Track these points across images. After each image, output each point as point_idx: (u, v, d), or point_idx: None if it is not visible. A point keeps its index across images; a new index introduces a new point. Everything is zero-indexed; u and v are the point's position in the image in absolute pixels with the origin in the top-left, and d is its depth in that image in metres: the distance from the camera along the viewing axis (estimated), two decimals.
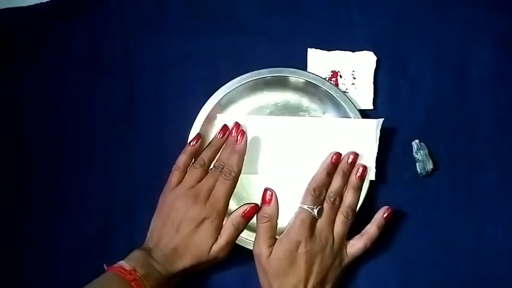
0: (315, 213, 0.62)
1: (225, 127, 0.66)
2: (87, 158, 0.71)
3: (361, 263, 0.66)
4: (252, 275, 0.63)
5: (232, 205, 0.65)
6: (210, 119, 0.68)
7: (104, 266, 0.59)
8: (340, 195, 0.64)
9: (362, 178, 0.65)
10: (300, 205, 0.63)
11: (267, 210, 0.62)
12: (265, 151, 0.67)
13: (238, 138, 0.65)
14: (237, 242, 0.64)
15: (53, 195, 0.70)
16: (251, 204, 0.62)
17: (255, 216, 0.63)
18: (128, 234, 0.68)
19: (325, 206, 0.63)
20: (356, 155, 0.65)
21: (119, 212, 0.69)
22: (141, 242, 0.63)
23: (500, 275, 0.66)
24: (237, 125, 0.66)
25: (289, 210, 0.63)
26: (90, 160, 0.71)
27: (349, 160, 0.65)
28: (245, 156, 0.65)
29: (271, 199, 0.62)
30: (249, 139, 0.66)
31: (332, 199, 0.63)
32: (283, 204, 0.63)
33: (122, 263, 0.59)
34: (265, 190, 0.63)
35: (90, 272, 0.59)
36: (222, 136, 0.65)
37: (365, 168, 0.65)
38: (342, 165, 0.65)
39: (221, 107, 0.69)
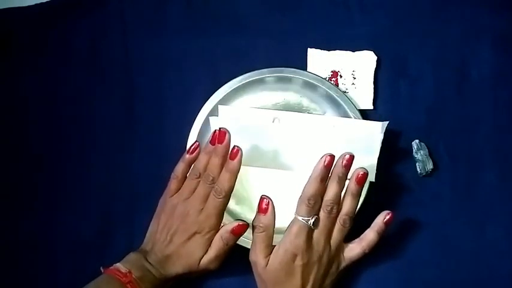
0: (311, 224, 0.59)
1: (214, 134, 0.62)
2: (87, 158, 0.71)
3: (361, 264, 0.65)
4: (252, 275, 0.63)
5: (232, 204, 0.65)
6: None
7: (101, 268, 0.60)
8: (337, 202, 0.61)
9: (362, 184, 0.61)
10: (295, 215, 0.60)
11: (262, 220, 0.60)
12: (267, 145, 0.66)
13: (233, 155, 0.60)
14: (237, 242, 0.64)
15: (53, 195, 0.70)
16: (240, 222, 0.61)
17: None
18: (127, 235, 0.68)
19: (322, 215, 0.60)
20: (351, 157, 0.60)
21: (119, 212, 0.69)
22: (140, 242, 0.64)
23: (500, 275, 0.66)
24: (223, 132, 0.61)
25: (290, 210, 0.62)
26: (90, 160, 0.71)
27: (344, 162, 0.60)
28: (245, 148, 0.62)
29: (267, 208, 0.60)
30: (250, 132, 0.66)
31: (329, 208, 0.60)
32: (283, 204, 0.63)
33: (118, 265, 0.59)
34: (262, 198, 0.60)
35: (89, 273, 0.59)
36: (214, 142, 0.61)
37: (365, 173, 0.60)
38: (337, 170, 0.60)
39: None
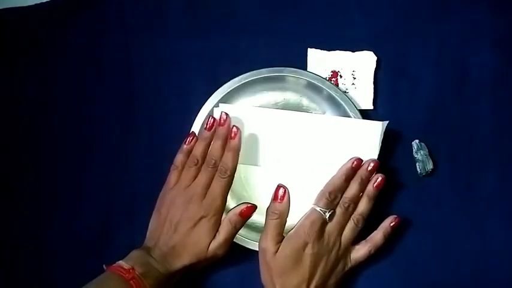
0: (327, 217, 0.61)
1: (212, 119, 0.64)
2: (87, 158, 0.71)
3: (362, 264, 0.65)
4: (252, 274, 0.63)
5: (232, 204, 0.65)
6: None
7: (104, 266, 0.60)
8: (355, 202, 0.63)
9: (379, 188, 0.64)
10: (313, 206, 0.62)
11: (278, 207, 0.61)
12: (267, 143, 0.67)
13: (233, 134, 0.64)
14: (237, 241, 0.64)
15: (53, 195, 0.70)
16: (248, 204, 0.62)
17: (253, 215, 0.62)
18: (128, 234, 0.68)
19: (338, 211, 0.62)
20: (377, 163, 0.64)
21: (118, 212, 0.69)
22: (141, 242, 0.64)
23: (500, 275, 0.66)
24: (225, 115, 0.64)
25: (291, 208, 0.63)
26: (90, 160, 0.71)
27: (369, 168, 0.64)
28: (245, 147, 0.65)
29: (283, 196, 0.61)
30: (251, 130, 0.66)
31: (346, 205, 0.62)
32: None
33: (121, 262, 0.59)
34: (278, 187, 0.62)
35: (90, 272, 0.59)
36: (210, 128, 0.64)
37: (383, 178, 0.64)
38: (361, 172, 0.64)
39: None
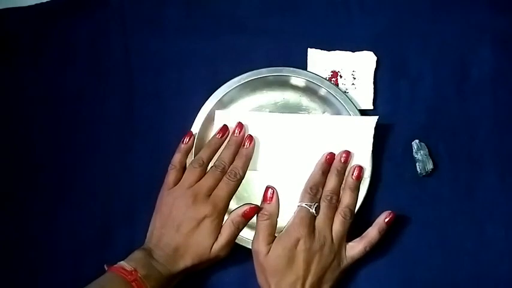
0: (313, 211, 0.62)
1: (224, 127, 0.66)
2: (87, 158, 0.71)
3: (361, 264, 0.66)
4: (252, 274, 0.63)
5: (232, 205, 0.65)
6: (210, 119, 0.68)
7: (105, 266, 0.60)
8: (336, 193, 0.64)
9: (358, 178, 0.65)
10: (299, 204, 0.63)
11: (267, 208, 0.63)
12: (263, 148, 0.67)
13: (246, 143, 0.66)
14: (237, 241, 0.64)
15: (53, 195, 0.70)
16: (251, 205, 0.62)
17: (255, 215, 0.63)
18: (128, 234, 0.68)
19: (323, 205, 0.63)
20: (348, 153, 0.66)
21: (119, 212, 0.69)
22: (141, 242, 0.63)
23: (500, 275, 0.66)
24: (240, 125, 0.66)
25: (289, 209, 0.63)
26: (90, 160, 0.71)
27: (342, 159, 0.65)
28: None
29: (272, 197, 0.63)
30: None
31: (329, 197, 0.64)
32: (282, 203, 0.63)
33: (123, 263, 0.59)
34: (267, 188, 0.63)
35: (90, 272, 0.59)
36: (222, 136, 0.66)
37: (361, 168, 0.65)
38: (335, 164, 0.66)
39: (221, 106, 0.69)
